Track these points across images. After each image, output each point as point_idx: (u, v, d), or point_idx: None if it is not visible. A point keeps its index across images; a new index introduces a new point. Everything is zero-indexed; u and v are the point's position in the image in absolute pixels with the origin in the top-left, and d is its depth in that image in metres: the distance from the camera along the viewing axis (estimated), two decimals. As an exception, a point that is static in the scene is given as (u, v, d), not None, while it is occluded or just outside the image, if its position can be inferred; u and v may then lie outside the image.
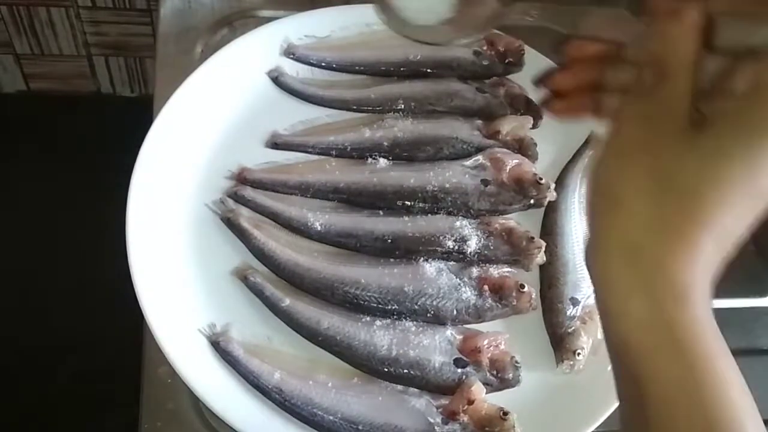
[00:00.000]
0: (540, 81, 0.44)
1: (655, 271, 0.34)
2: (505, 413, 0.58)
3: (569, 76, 0.43)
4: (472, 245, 0.66)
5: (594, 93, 0.42)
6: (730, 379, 0.33)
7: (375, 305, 0.64)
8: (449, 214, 0.69)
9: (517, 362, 0.62)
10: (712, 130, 0.34)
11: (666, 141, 0.35)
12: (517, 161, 0.71)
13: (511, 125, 0.74)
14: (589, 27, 0.42)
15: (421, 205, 0.69)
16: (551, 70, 0.43)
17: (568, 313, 0.66)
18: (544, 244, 0.67)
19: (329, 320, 0.63)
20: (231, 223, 0.67)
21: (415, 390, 0.61)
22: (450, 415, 0.59)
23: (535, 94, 0.77)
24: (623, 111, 0.37)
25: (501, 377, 0.61)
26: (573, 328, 0.64)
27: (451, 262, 0.66)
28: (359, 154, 0.72)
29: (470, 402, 0.59)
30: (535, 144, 0.73)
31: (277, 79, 0.76)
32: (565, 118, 0.44)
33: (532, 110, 0.76)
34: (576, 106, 0.44)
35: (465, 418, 0.59)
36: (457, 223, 0.68)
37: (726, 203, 0.33)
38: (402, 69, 0.78)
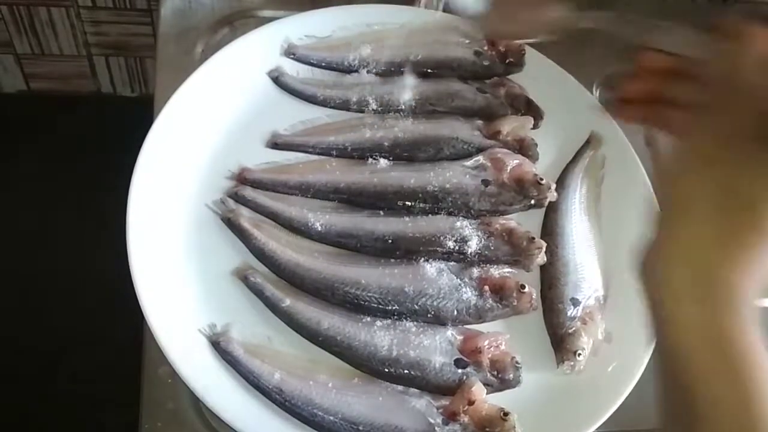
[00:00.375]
0: (610, 86, 0.47)
1: (715, 279, 0.35)
2: (506, 414, 0.58)
3: (639, 85, 0.45)
4: (473, 246, 0.66)
5: (659, 104, 0.44)
6: None
7: (375, 305, 0.64)
8: (450, 214, 0.69)
9: (517, 363, 0.62)
10: None
11: (734, 155, 0.37)
12: (517, 161, 0.71)
13: (511, 125, 0.74)
14: (661, 41, 0.44)
15: (421, 205, 0.69)
16: (621, 77, 0.46)
17: (569, 313, 0.66)
18: (544, 244, 0.67)
19: (329, 320, 0.63)
20: (231, 223, 0.67)
21: (416, 390, 0.61)
22: (450, 416, 0.59)
23: (536, 95, 0.77)
24: (695, 124, 0.39)
25: (501, 378, 0.61)
26: (573, 328, 0.64)
27: (452, 263, 0.66)
28: (359, 154, 0.72)
29: (471, 402, 0.59)
30: (536, 144, 0.73)
31: (277, 79, 0.76)
32: (627, 122, 0.47)
33: (533, 110, 0.76)
34: (640, 113, 0.46)
35: (465, 419, 0.59)
36: (458, 224, 0.68)
37: None
38: (402, 69, 0.78)
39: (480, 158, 0.71)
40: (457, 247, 0.66)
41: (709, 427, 0.35)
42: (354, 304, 0.64)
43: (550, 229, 0.71)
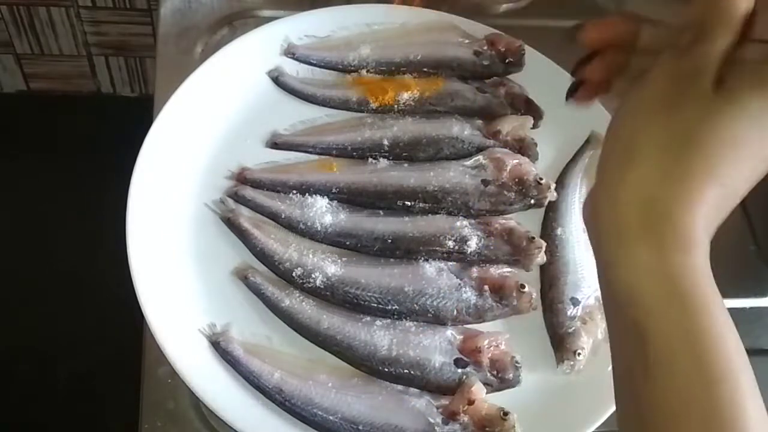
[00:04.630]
0: (573, 74, 0.46)
1: (663, 220, 0.35)
2: (506, 413, 0.58)
3: (599, 66, 0.44)
4: (473, 245, 0.66)
5: (623, 72, 0.44)
6: (726, 331, 0.35)
7: (375, 305, 0.64)
8: (449, 214, 0.69)
9: (517, 362, 0.62)
10: (734, 91, 0.36)
11: (689, 98, 0.37)
12: (517, 161, 0.71)
13: (511, 125, 0.74)
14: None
15: (421, 205, 0.69)
16: (581, 63, 0.45)
17: (569, 313, 0.66)
18: (544, 244, 0.67)
19: (329, 320, 0.63)
20: (231, 223, 0.67)
21: (416, 390, 0.61)
22: (450, 416, 0.59)
23: (536, 94, 0.77)
24: (654, 68, 0.39)
25: (501, 377, 0.61)
26: (573, 328, 0.64)
27: (452, 262, 0.66)
28: (359, 154, 0.72)
29: (470, 402, 0.59)
30: (536, 144, 0.73)
31: (277, 79, 0.76)
32: (591, 101, 0.47)
33: (533, 110, 0.76)
34: (597, 90, 0.46)
35: (465, 419, 0.59)
36: (458, 223, 0.68)
37: (736, 160, 0.35)
38: (402, 69, 0.78)
39: (480, 158, 0.71)
40: (456, 247, 0.66)
41: (660, 367, 0.34)
42: (354, 304, 0.64)
43: (550, 229, 0.71)
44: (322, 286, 0.64)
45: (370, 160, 0.72)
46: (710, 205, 0.35)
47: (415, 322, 0.63)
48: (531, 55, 0.79)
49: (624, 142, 0.38)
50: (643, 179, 0.36)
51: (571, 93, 0.46)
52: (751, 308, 0.75)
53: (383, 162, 0.72)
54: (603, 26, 0.44)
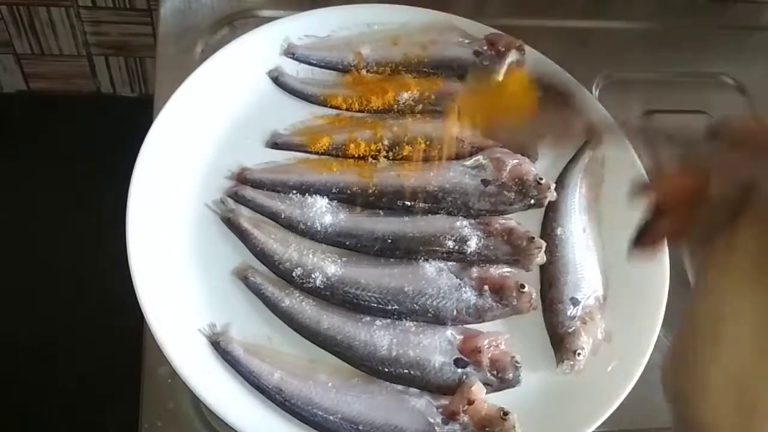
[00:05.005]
0: (640, 233, 0.42)
1: (761, 410, 0.33)
2: (506, 413, 0.58)
3: (668, 226, 0.41)
4: (472, 245, 0.66)
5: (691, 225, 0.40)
6: None
7: (375, 305, 0.64)
8: (449, 214, 0.69)
9: (517, 362, 0.62)
10: None
11: None
12: (517, 161, 0.71)
13: (511, 125, 0.74)
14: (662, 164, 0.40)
15: (421, 205, 0.69)
16: (650, 222, 0.42)
17: (569, 313, 0.66)
18: (544, 244, 0.67)
19: (329, 320, 0.63)
20: (231, 223, 0.67)
21: (416, 390, 0.61)
22: (450, 416, 0.59)
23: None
24: (735, 233, 0.35)
25: (501, 377, 0.61)
26: (573, 328, 0.64)
27: (451, 262, 0.66)
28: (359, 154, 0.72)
29: (470, 402, 0.59)
30: (536, 144, 0.73)
31: (277, 79, 0.76)
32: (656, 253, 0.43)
33: (533, 110, 0.76)
34: (669, 245, 0.43)
35: (465, 419, 0.59)
36: (457, 223, 0.68)
37: None
38: (402, 69, 0.78)
39: (480, 158, 0.71)
40: (456, 247, 0.66)
41: None
42: (354, 304, 0.64)
43: (550, 229, 0.71)
44: (322, 286, 0.64)
45: (370, 160, 0.72)
46: None
47: (415, 322, 0.63)
48: (531, 55, 0.79)
49: (712, 317, 0.35)
50: (735, 361, 0.33)
51: (639, 246, 0.42)
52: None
53: (383, 162, 0.72)
54: (669, 183, 0.40)
